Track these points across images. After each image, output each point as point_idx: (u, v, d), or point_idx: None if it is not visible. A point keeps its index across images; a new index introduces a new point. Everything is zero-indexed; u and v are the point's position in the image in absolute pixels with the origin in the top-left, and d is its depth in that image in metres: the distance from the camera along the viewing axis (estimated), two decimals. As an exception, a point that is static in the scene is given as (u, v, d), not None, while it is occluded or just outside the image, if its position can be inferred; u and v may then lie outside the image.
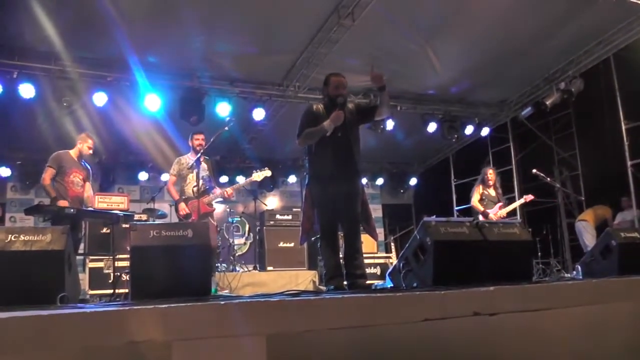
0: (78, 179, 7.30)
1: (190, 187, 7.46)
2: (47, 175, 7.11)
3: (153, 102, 9.68)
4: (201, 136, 7.59)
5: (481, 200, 9.30)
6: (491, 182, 9.39)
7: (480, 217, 8.83)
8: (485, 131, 12.84)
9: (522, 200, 9.83)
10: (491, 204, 9.30)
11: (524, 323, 3.77)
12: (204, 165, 7.51)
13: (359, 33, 8.89)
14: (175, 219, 10.09)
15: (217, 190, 7.63)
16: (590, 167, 12.02)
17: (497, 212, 9.17)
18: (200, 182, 7.33)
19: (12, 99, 9.06)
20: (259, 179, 7.73)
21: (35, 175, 12.42)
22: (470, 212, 9.89)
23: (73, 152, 7.38)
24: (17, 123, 10.28)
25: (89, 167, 7.60)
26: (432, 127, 12.03)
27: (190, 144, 7.71)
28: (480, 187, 9.41)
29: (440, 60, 10.07)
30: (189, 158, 7.56)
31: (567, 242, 12.07)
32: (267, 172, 7.76)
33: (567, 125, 12.55)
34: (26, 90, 8.93)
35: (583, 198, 12.01)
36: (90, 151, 7.41)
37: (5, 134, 11.24)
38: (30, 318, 2.65)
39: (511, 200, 10.21)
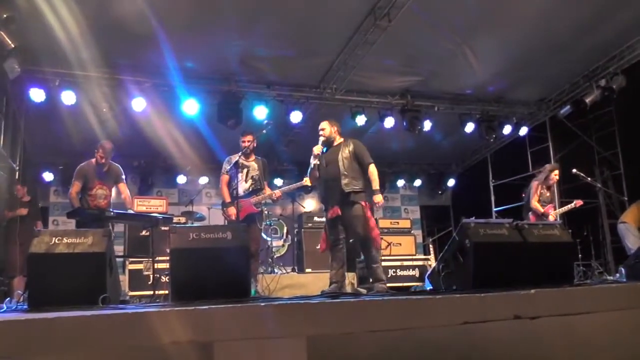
0: (101, 191, 7.51)
1: (239, 186, 7.37)
2: (74, 189, 7.42)
3: (191, 106, 9.79)
4: (247, 137, 7.49)
5: (538, 201, 8.96)
6: (552, 182, 9.08)
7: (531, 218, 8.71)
8: (523, 131, 12.64)
9: (572, 205, 9.53)
10: (544, 205, 8.98)
11: (565, 327, 3.70)
12: (254, 165, 7.50)
13: (396, 34, 8.83)
14: (213, 222, 10.17)
15: (266, 191, 7.54)
16: (633, 166, 11.74)
17: (552, 213, 8.92)
18: (250, 181, 7.35)
19: (54, 105, 9.27)
20: (310, 184, 7.54)
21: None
22: (513, 213, 9.67)
23: (94, 162, 7.57)
24: (59, 129, 10.47)
25: (116, 166, 7.75)
26: (469, 127, 11.91)
27: (240, 144, 7.61)
28: (541, 186, 8.99)
29: (477, 59, 9.95)
30: (239, 157, 7.48)
31: (609, 243, 11.79)
32: None
33: (608, 123, 12.29)
34: (67, 97, 9.12)
35: (626, 198, 11.75)
36: (104, 160, 7.52)
37: (48, 139, 11.47)
38: (74, 318, 2.69)
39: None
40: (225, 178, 7.52)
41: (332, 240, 6.56)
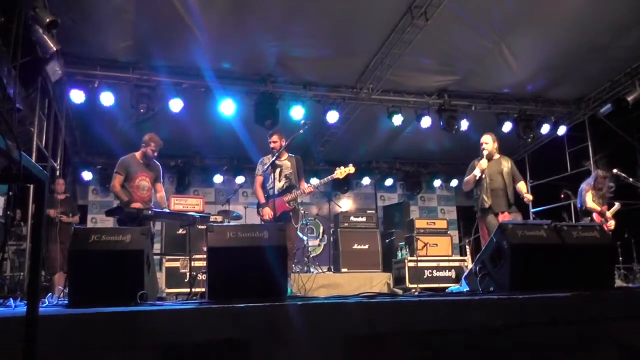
0: (145, 182, 7.30)
1: (274, 186, 7.41)
2: (116, 182, 7.19)
3: (228, 107, 9.84)
4: (273, 138, 7.51)
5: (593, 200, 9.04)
6: (600, 186, 9.09)
7: (594, 218, 8.88)
8: (562, 130, 12.42)
9: (617, 206, 9.38)
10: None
11: (605, 332, 3.63)
12: (287, 164, 7.49)
13: (433, 33, 8.78)
14: (249, 220, 10.23)
15: (299, 189, 7.48)
16: (678, 167, 11.48)
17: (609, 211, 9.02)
18: (284, 180, 7.36)
19: (93, 106, 9.42)
20: (341, 176, 7.52)
21: (114, 179, 12.95)
22: (551, 214, 9.53)
23: (138, 155, 7.39)
24: (98, 129, 10.65)
25: (158, 165, 7.59)
26: (507, 126, 11.75)
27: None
28: (591, 191, 9.11)
29: (515, 57, 9.81)
30: (270, 158, 7.49)
31: (651, 245, 11.53)
32: (351, 169, 7.53)
33: (650, 122, 12.01)
34: (106, 99, 9.24)
35: (669, 200, 11.47)
36: (155, 154, 7.36)
37: (87, 140, 11.69)
38: (113, 314, 2.72)
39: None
40: (259, 179, 7.58)
41: None
